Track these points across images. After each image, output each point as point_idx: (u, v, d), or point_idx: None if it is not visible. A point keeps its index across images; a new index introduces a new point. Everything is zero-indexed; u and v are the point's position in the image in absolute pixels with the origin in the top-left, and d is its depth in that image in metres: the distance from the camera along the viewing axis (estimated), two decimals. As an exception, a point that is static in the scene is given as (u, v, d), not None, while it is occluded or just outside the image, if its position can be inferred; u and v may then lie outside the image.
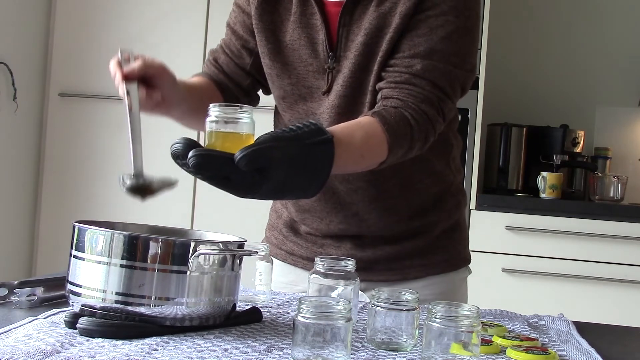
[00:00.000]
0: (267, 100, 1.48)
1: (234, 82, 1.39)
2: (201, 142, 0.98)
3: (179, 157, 0.96)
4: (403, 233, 1.38)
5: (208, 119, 1.01)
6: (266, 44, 1.32)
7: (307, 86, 1.31)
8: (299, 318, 0.83)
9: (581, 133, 3.31)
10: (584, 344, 1.06)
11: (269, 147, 0.93)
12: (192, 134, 1.04)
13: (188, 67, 1.97)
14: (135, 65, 1.11)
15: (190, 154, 0.92)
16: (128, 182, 1.03)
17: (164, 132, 1.75)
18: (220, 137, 1.00)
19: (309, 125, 0.99)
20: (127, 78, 1.10)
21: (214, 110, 1.01)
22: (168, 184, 1.06)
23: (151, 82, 1.14)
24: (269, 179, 0.94)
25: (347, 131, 1.10)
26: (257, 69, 1.38)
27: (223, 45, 1.41)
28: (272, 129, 1.15)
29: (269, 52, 1.33)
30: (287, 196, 1.01)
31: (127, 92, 1.09)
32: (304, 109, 1.32)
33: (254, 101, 1.42)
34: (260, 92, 1.44)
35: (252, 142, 0.97)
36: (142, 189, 1.04)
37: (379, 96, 1.23)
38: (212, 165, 0.93)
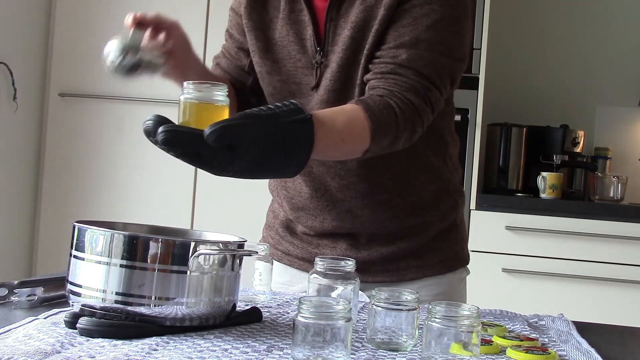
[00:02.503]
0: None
1: (240, 82, 1.40)
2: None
3: (150, 134, 0.95)
4: (398, 232, 1.37)
5: (182, 96, 1.00)
6: (256, 42, 1.34)
7: (296, 82, 1.32)
8: (299, 318, 0.83)
9: (581, 133, 3.31)
10: (584, 344, 1.06)
11: (240, 124, 0.92)
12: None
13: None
14: (149, 13, 1.17)
15: (160, 130, 0.91)
16: (115, 58, 1.11)
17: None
18: (194, 113, 0.99)
19: (288, 104, 0.98)
20: (138, 24, 1.17)
21: (188, 87, 0.99)
22: (153, 66, 1.15)
23: (165, 35, 1.21)
24: (241, 156, 0.93)
25: (329, 115, 1.09)
26: (254, 69, 1.39)
27: (223, 50, 1.45)
28: None
29: (259, 49, 1.34)
30: (264, 175, 1.00)
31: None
32: None
33: (263, 101, 1.42)
34: None
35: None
36: (128, 66, 1.13)
37: (366, 88, 1.23)
38: (181, 142, 0.92)
